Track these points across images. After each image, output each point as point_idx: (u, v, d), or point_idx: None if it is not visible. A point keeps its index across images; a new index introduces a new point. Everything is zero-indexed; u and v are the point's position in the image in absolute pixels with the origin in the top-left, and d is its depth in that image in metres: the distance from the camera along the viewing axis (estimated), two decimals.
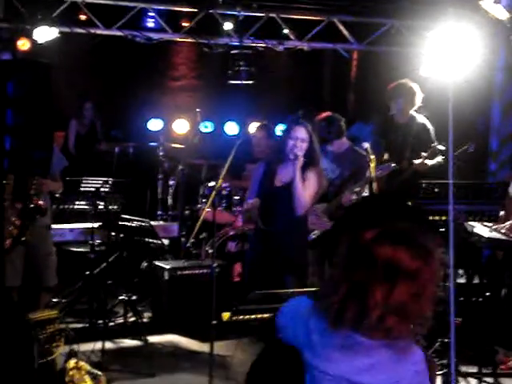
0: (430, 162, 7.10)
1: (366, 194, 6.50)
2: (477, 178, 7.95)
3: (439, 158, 7.09)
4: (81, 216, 7.53)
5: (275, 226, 5.68)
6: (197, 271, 7.32)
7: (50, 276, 6.36)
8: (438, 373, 5.00)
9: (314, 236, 6.52)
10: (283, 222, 5.69)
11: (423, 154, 7.03)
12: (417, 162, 7.09)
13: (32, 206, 5.87)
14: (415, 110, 7.38)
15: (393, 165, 6.49)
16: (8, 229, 5.77)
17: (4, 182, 5.81)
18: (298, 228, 5.80)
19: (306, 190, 5.66)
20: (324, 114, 6.80)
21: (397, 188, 7.10)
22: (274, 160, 5.79)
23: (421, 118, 7.36)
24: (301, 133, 5.66)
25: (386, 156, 7.37)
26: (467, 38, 5.00)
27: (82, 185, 7.03)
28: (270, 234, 5.67)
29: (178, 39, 9.41)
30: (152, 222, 7.46)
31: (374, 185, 6.22)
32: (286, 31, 9.11)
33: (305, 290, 4.98)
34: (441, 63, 5.37)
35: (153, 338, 6.91)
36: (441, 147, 6.86)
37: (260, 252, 5.74)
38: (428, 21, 8.28)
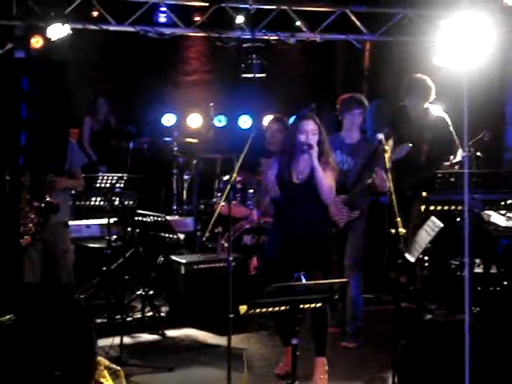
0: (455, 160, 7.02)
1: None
2: (493, 167, 7.90)
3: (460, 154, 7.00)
4: (97, 212, 7.57)
5: (298, 222, 5.63)
6: (213, 265, 7.34)
7: (68, 273, 6.40)
8: None
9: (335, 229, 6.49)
10: (306, 218, 5.65)
11: (451, 158, 6.88)
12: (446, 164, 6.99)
13: (44, 203, 5.90)
14: (429, 102, 7.32)
15: (410, 145, 6.42)
16: (28, 226, 5.82)
17: (22, 179, 5.88)
18: (321, 222, 5.76)
19: (328, 177, 5.64)
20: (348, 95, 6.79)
21: (413, 184, 7.06)
22: (287, 156, 5.73)
23: (436, 110, 7.28)
24: (310, 125, 5.62)
25: (390, 142, 7.31)
26: (481, 27, 4.97)
27: (98, 181, 7.05)
28: (293, 229, 5.63)
29: (190, 34, 9.40)
30: (167, 217, 7.47)
31: (389, 176, 6.18)
32: (298, 23, 9.07)
33: (321, 282, 4.99)
34: (454, 52, 5.35)
35: (170, 333, 6.94)
36: (464, 153, 6.72)
37: (281, 246, 5.67)
38: (441, 10, 8.22)
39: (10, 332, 2.18)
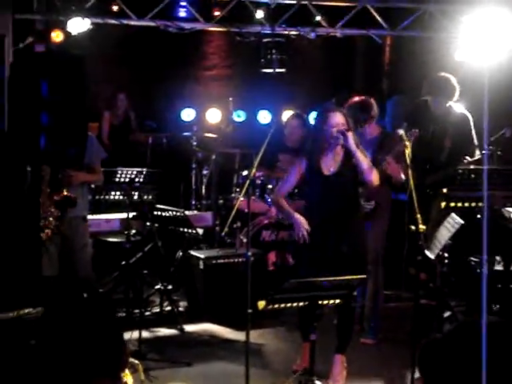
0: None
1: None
2: None
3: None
4: (116, 206, 7.58)
5: (332, 216, 5.61)
6: (231, 260, 7.34)
7: (87, 268, 6.41)
8: None
9: None
10: (339, 211, 5.62)
11: (467, 158, 6.79)
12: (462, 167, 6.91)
13: (62, 197, 5.93)
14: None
15: (416, 130, 6.35)
16: (48, 220, 5.86)
17: (42, 173, 5.91)
18: (356, 217, 5.74)
19: (367, 159, 5.61)
20: (358, 98, 6.71)
21: (434, 181, 7.00)
22: (316, 151, 5.68)
23: (458, 108, 7.21)
24: (339, 118, 5.59)
25: (401, 131, 7.25)
26: (502, 22, 4.92)
27: (117, 175, 7.06)
28: (326, 224, 5.60)
29: (210, 28, 9.40)
30: (186, 212, 7.48)
31: (409, 173, 6.14)
32: (318, 18, 9.04)
33: (340, 278, 4.96)
34: (475, 48, 5.31)
35: (189, 327, 6.95)
36: (485, 151, 6.63)
37: (313, 245, 5.64)
38: (462, 5, 8.16)
39: (35, 326, 2.19)
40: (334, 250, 5.55)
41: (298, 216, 5.58)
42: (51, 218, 5.88)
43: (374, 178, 5.65)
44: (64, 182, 6.02)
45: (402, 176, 6.40)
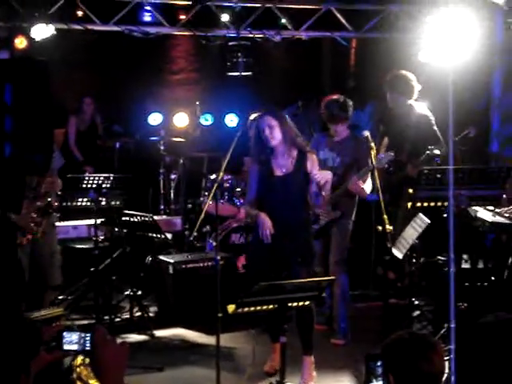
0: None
1: (369, 182, 6.48)
2: (479, 164, 7.93)
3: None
4: (83, 213, 7.54)
5: (280, 217, 5.63)
6: (201, 264, 7.33)
7: (56, 275, 6.38)
8: (445, 358, 4.99)
9: (317, 226, 6.51)
10: (288, 212, 5.66)
11: (419, 159, 6.83)
12: (410, 168, 6.95)
13: (45, 204, 5.94)
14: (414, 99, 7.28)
15: (392, 154, 6.44)
16: (30, 225, 5.85)
17: (27, 179, 5.91)
18: (303, 218, 5.77)
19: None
20: (337, 96, 6.72)
21: (397, 181, 7.07)
22: (263, 154, 5.73)
23: (420, 108, 7.24)
24: (267, 120, 5.64)
25: (385, 140, 7.30)
26: (465, 23, 4.97)
27: (84, 181, 7.02)
28: (276, 225, 5.62)
29: (176, 32, 9.39)
30: (155, 217, 7.45)
31: (375, 173, 6.19)
32: (283, 21, 9.08)
33: (309, 280, 5.00)
34: (439, 48, 5.36)
35: (159, 332, 6.93)
36: (437, 151, 6.69)
37: (265, 244, 5.66)
38: (426, 6, 8.24)
39: None
40: (281, 248, 5.59)
41: (264, 216, 5.60)
42: (32, 224, 5.88)
43: (320, 202, 5.74)
44: (46, 189, 6.01)
45: (367, 192, 6.48)
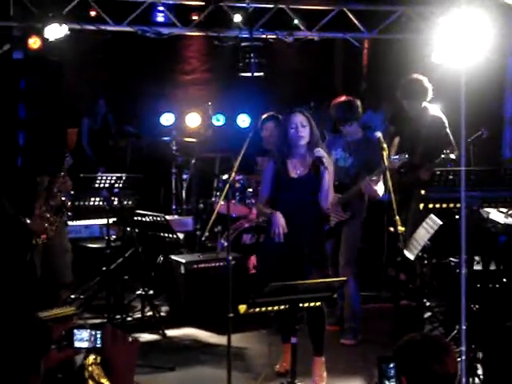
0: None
1: (381, 184, 6.47)
2: (491, 165, 7.90)
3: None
4: (96, 212, 7.56)
5: (294, 218, 5.62)
6: (212, 264, 7.34)
7: (68, 272, 6.41)
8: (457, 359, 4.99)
9: (327, 227, 6.51)
10: (303, 213, 5.65)
11: (433, 163, 6.79)
12: (423, 171, 6.92)
13: (59, 203, 5.97)
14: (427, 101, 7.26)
15: (406, 156, 6.42)
16: (44, 224, 5.87)
17: (38, 179, 5.94)
18: (318, 220, 5.76)
19: (331, 180, 5.65)
20: (344, 98, 6.74)
21: (409, 182, 7.05)
22: (281, 154, 5.71)
23: (433, 110, 7.23)
24: (299, 118, 5.62)
25: (396, 140, 7.29)
26: (478, 24, 4.96)
27: (97, 181, 7.04)
28: (289, 225, 5.61)
29: (188, 33, 9.41)
30: (167, 217, 7.47)
31: (388, 175, 6.18)
32: (295, 22, 9.08)
33: (320, 280, 5.00)
34: (452, 49, 5.35)
35: (171, 332, 6.94)
36: (453, 156, 6.66)
37: (278, 244, 5.65)
38: (439, 7, 8.23)
39: None
40: (296, 251, 5.57)
41: (279, 215, 5.58)
42: (47, 224, 5.90)
43: (327, 203, 5.67)
44: (60, 188, 6.03)
45: (380, 193, 6.46)
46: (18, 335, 2.27)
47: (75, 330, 2.51)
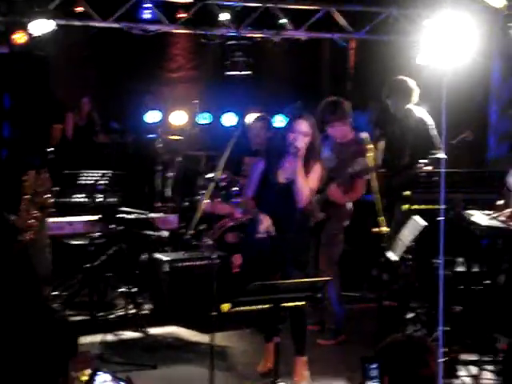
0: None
1: (362, 185, 6.47)
2: (475, 167, 7.94)
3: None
4: (79, 209, 7.53)
5: (279, 222, 5.60)
6: (196, 263, 7.33)
7: (48, 268, 6.38)
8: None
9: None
10: (287, 218, 5.63)
11: (423, 161, 6.82)
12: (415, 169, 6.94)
13: (44, 200, 5.93)
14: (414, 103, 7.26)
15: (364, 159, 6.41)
16: (29, 222, 5.83)
17: (25, 177, 5.90)
18: (301, 223, 5.74)
19: (309, 182, 5.61)
20: (330, 98, 6.73)
21: (397, 185, 7.06)
22: (275, 155, 5.67)
23: (419, 112, 7.24)
24: (303, 127, 5.55)
25: (381, 143, 7.30)
26: (464, 26, 4.98)
27: (81, 177, 7.02)
28: (273, 225, 5.59)
29: (175, 30, 9.39)
30: (151, 214, 7.46)
31: (372, 175, 6.19)
32: (283, 21, 9.09)
33: (303, 280, 5.00)
34: (438, 52, 5.36)
35: (153, 330, 6.92)
36: (442, 155, 6.66)
37: (262, 243, 5.63)
38: (425, 9, 8.26)
39: None
40: (276, 248, 5.57)
41: (266, 215, 5.57)
42: (33, 220, 5.86)
43: (302, 202, 5.60)
44: (44, 184, 6.00)
45: (347, 200, 6.49)
46: (47, 338, 2.26)
47: (99, 372, 2.49)
